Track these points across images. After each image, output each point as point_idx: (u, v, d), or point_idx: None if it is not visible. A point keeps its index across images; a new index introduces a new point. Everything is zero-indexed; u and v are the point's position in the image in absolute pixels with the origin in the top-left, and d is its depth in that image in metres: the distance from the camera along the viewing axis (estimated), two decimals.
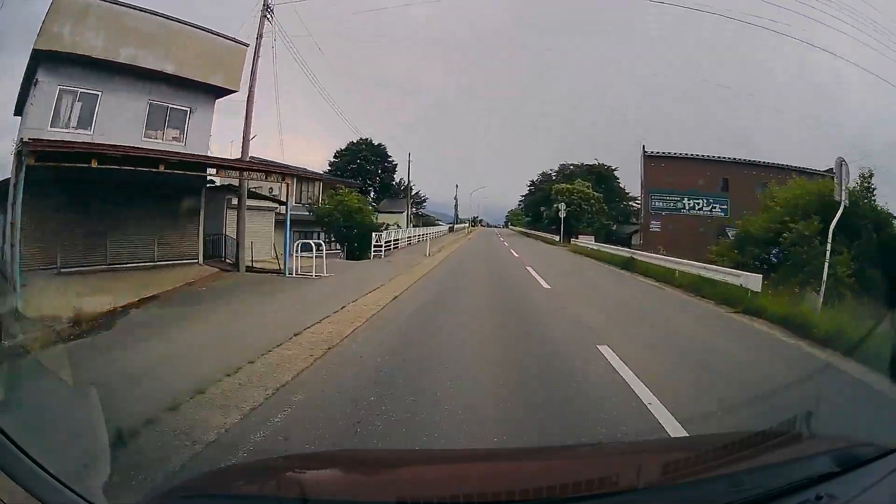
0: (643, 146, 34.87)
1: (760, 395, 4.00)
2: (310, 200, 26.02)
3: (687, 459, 1.53)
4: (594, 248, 24.55)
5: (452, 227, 61.85)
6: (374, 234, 20.55)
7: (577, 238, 32.42)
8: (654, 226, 33.22)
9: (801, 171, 30.37)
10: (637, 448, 2.38)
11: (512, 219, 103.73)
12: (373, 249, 19.69)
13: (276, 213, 20.18)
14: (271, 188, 24.03)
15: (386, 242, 21.59)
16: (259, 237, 17.04)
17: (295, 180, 24.53)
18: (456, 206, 78.08)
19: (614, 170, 47.49)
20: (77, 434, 2.57)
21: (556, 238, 36.66)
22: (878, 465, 1.35)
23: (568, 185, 41.44)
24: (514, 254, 22.09)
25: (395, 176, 52.93)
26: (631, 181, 47.81)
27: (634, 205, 45.20)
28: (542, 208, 45.99)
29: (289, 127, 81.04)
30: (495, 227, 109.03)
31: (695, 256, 14.30)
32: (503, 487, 1.40)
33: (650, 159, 34.64)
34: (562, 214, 35.78)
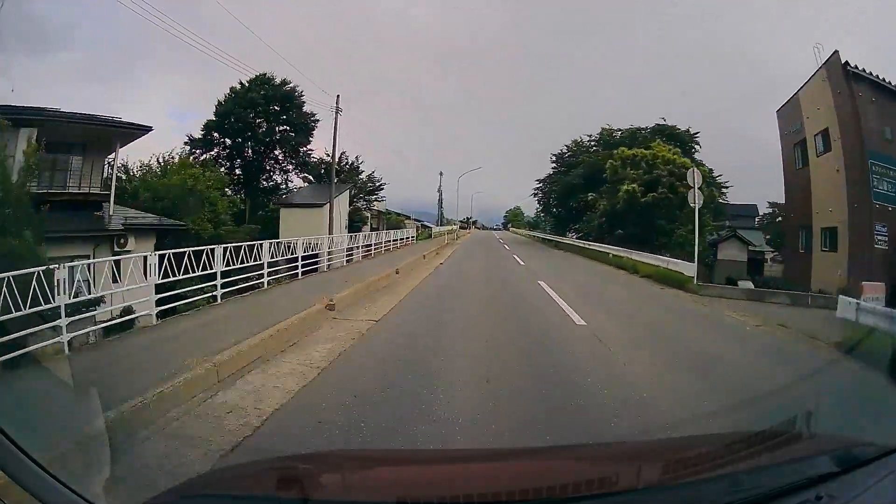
0: (837, 52, 16.60)
1: None
2: None
3: (687, 459, 1.53)
4: None
5: (430, 232, 42.84)
6: None
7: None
8: (881, 237, 15.18)
9: None
10: (637, 448, 2.38)
11: (512, 219, 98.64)
12: None
13: None
14: None
15: None
16: None
17: None
18: (440, 199, 56.01)
19: (696, 135, 28.66)
20: (77, 434, 2.57)
21: (683, 270, 13.60)
22: (878, 465, 1.35)
23: (643, 151, 22.91)
24: None
25: (312, 139, 31.64)
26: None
27: (720, 195, 26.80)
28: (590, 195, 26.60)
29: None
30: (494, 229, 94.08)
31: None
32: (503, 487, 1.40)
33: (855, 81, 15.95)
34: (696, 203, 14.04)
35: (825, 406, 3.15)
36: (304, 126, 31.13)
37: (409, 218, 47.46)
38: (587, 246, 23.99)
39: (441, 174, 66.82)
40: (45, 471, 1.23)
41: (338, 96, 24.81)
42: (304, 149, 32.18)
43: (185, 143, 29.13)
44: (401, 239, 25.66)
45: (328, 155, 30.47)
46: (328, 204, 22.66)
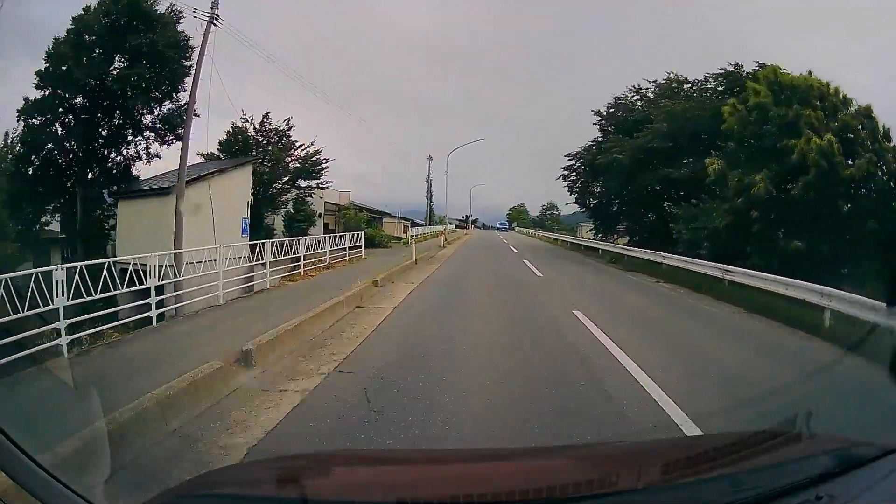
0: None
1: None
2: None
3: (687, 459, 1.53)
4: None
5: (406, 237, 30.03)
6: None
7: None
8: None
9: None
10: (637, 448, 2.38)
11: (515, 218, 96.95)
12: None
13: None
14: None
15: None
16: None
17: None
18: (429, 191, 43.23)
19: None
20: (77, 435, 2.58)
21: None
22: (878, 465, 1.35)
23: (814, 78, 12.21)
24: None
25: (185, 85, 17.57)
26: None
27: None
28: (711, 163, 13.32)
29: None
30: (497, 229, 78.79)
31: None
32: (503, 487, 1.40)
33: None
34: None
35: None
36: (161, 56, 17.23)
37: (388, 215, 38.25)
38: (719, 275, 11.10)
39: (430, 158, 44.23)
40: (45, 471, 1.23)
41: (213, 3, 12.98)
42: (174, 101, 18.64)
43: (18, 111, 16.81)
44: (326, 250, 14.02)
45: (245, 120, 21.22)
46: (208, 188, 13.12)
